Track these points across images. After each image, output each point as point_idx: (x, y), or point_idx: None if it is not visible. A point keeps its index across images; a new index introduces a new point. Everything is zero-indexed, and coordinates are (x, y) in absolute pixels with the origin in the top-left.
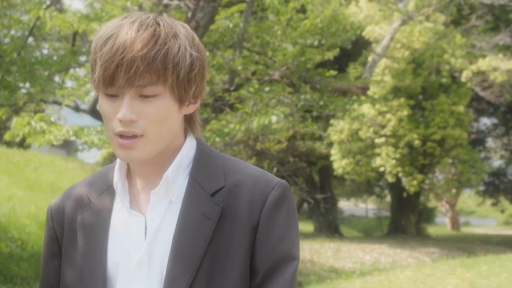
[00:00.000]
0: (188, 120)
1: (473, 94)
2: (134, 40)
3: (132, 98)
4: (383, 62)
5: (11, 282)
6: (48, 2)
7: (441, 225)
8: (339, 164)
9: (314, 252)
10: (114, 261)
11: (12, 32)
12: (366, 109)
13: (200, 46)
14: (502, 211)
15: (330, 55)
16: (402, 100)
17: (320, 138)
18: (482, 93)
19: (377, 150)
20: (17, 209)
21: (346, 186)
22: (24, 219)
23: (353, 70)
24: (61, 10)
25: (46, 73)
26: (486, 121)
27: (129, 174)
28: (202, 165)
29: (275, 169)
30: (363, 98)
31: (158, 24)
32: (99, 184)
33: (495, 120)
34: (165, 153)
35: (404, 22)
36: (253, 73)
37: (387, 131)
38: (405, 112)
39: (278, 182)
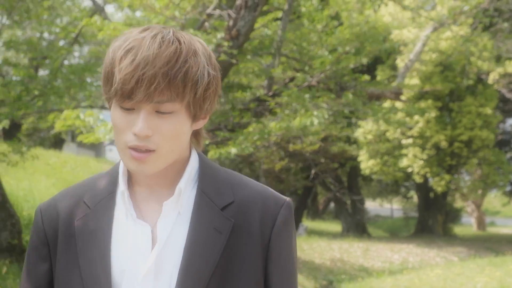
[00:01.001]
0: (195, 134)
1: (500, 95)
2: (156, 56)
3: (149, 113)
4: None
5: None
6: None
7: (467, 225)
8: (367, 164)
9: (344, 251)
10: (119, 269)
11: (49, 37)
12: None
13: (216, 64)
14: None
15: (364, 61)
16: (430, 102)
17: (349, 140)
18: (508, 95)
19: (404, 151)
20: None
21: (372, 187)
22: None
23: (381, 72)
24: (105, 18)
25: (89, 79)
26: None
27: (131, 181)
28: (208, 177)
29: (313, 171)
30: (399, 106)
31: (179, 41)
32: (98, 190)
33: None
34: (172, 165)
35: (435, 29)
36: (291, 79)
37: (414, 132)
38: (432, 114)
39: (285, 201)
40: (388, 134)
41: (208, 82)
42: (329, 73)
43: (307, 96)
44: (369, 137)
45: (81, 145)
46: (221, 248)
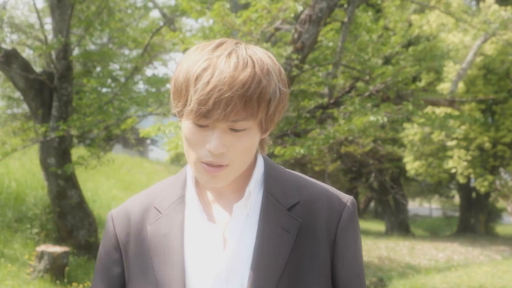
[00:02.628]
0: (261, 141)
1: None
2: (233, 78)
3: (223, 131)
4: (455, 68)
5: None
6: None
7: (508, 225)
8: (412, 166)
9: (390, 249)
10: (192, 271)
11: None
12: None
13: (285, 79)
14: None
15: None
16: (473, 104)
17: (395, 142)
18: None
19: (449, 153)
20: None
21: (412, 187)
22: None
23: (425, 76)
24: (174, 30)
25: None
26: None
27: (198, 184)
28: (274, 179)
29: (373, 175)
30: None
31: (253, 61)
32: (167, 194)
33: None
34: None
35: (486, 40)
36: (351, 87)
37: (458, 134)
38: (476, 116)
39: (349, 198)
40: (432, 136)
41: (279, 99)
42: (390, 83)
43: (369, 105)
44: (415, 139)
45: (126, 145)
46: (289, 247)
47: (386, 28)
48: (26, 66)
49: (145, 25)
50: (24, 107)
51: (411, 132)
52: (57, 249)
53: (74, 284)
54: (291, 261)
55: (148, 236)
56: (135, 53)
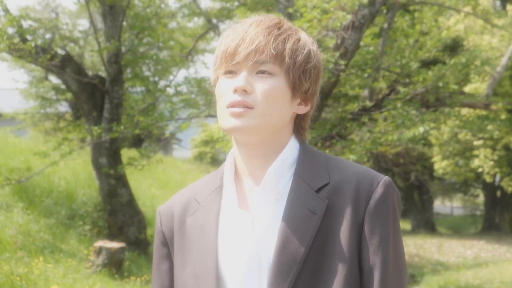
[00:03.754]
0: (298, 125)
1: None
2: (259, 23)
3: (249, 73)
4: (482, 69)
5: None
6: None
7: None
8: (440, 165)
9: (419, 247)
10: (225, 259)
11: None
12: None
13: (318, 51)
14: None
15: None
16: (500, 105)
17: (424, 142)
18: None
19: (475, 152)
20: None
21: (434, 185)
22: None
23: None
24: (219, 35)
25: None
26: None
27: (237, 175)
28: (306, 163)
29: (413, 174)
30: (491, 115)
31: (285, 22)
32: (207, 186)
33: None
34: (272, 147)
35: None
36: (391, 90)
37: (485, 134)
38: (502, 116)
39: (382, 179)
40: (460, 136)
41: (308, 54)
42: (430, 87)
43: (410, 108)
44: (442, 138)
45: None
46: (315, 229)
47: (422, 33)
48: (79, 70)
49: (189, 29)
50: (57, 107)
51: (440, 131)
52: (114, 244)
53: (132, 277)
54: (317, 242)
55: (187, 228)
56: (165, 53)
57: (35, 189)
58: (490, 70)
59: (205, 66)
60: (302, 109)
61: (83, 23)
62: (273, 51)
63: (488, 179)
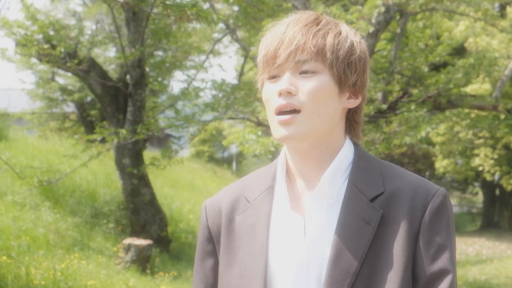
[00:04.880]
0: (350, 120)
1: None
2: (296, 22)
3: (292, 74)
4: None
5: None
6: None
7: None
8: (441, 164)
9: None
10: (274, 261)
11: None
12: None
13: (362, 41)
14: None
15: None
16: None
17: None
18: None
19: (476, 151)
20: (177, 206)
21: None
22: (187, 214)
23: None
24: (237, 40)
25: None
26: None
27: (288, 175)
28: (361, 170)
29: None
30: (501, 116)
31: (324, 17)
32: (257, 185)
33: None
34: (325, 148)
35: None
36: (404, 93)
37: (485, 133)
38: (502, 116)
39: (438, 189)
40: (461, 135)
41: (350, 47)
42: (442, 90)
43: (424, 111)
44: (443, 138)
45: (151, 143)
46: (369, 239)
47: (432, 37)
48: (103, 74)
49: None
50: (62, 108)
51: (440, 131)
52: (142, 241)
53: (161, 273)
54: (371, 253)
55: (236, 226)
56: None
57: (59, 189)
58: (497, 71)
59: (221, 69)
60: (353, 103)
61: (89, 25)
62: (313, 48)
63: (488, 177)
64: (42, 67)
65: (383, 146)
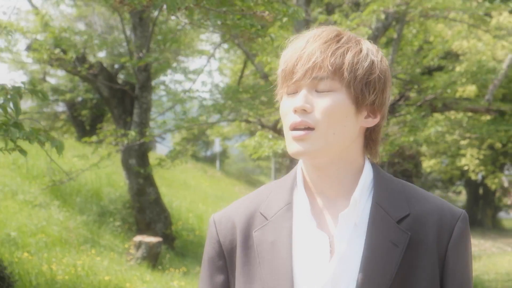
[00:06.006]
0: (368, 138)
1: None
2: (316, 38)
3: (309, 91)
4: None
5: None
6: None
7: (506, 219)
8: (428, 163)
9: None
10: (299, 280)
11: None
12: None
13: (384, 59)
14: None
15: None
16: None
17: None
18: None
19: (462, 151)
20: (176, 205)
21: (418, 183)
22: (185, 212)
23: (438, 78)
24: (238, 44)
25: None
26: None
27: (306, 191)
28: (384, 189)
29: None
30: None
31: (343, 33)
32: (273, 200)
33: None
34: (342, 166)
35: None
36: (401, 96)
37: (471, 133)
38: (488, 116)
39: (461, 213)
40: (447, 135)
41: (370, 66)
42: (438, 94)
43: (422, 113)
44: (431, 138)
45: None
46: (398, 262)
47: (426, 42)
48: (110, 77)
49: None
50: (53, 108)
51: (426, 132)
52: (152, 239)
53: (171, 269)
54: (399, 275)
55: (254, 243)
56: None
57: (66, 188)
58: (494, 79)
59: (221, 73)
60: (371, 122)
61: (80, 27)
62: (330, 66)
63: (473, 177)
64: (34, 67)
65: (388, 146)
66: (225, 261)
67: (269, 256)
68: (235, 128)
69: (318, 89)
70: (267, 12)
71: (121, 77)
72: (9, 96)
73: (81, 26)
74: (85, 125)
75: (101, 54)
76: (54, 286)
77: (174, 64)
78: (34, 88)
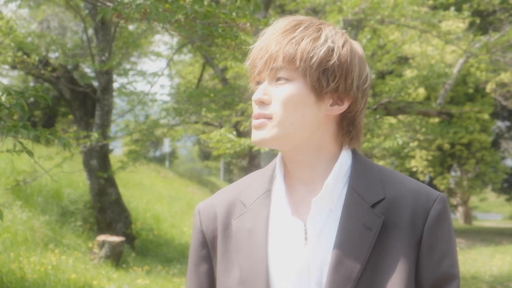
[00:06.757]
0: (344, 126)
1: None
2: (278, 28)
3: (269, 82)
4: (412, 72)
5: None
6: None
7: (453, 219)
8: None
9: None
10: (275, 266)
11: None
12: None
13: (347, 44)
14: None
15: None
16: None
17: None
18: (504, 102)
19: (411, 153)
20: (133, 205)
21: None
22: (143, 212)
23: (390, 81)
24: (198, 48)
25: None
26: (500, 124)
27: (285, 180)
28: (360, 175)
29: None
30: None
31: (310, 22)
32: (253, 189)
33: (508, 123)
34: (312, 154)
35: (468, 58)
36: None
37: (424, 135)
38: (436, 119)
39: (438, 195)
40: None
41: (327, 53)
42: (392, 97)
43: (377, 117)
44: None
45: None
46: (371, 245)
47: (379, 47)
48: (72, 80)
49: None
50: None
51: (390, 142)
52: (116, 238)
53: (135, 268)
54: (372, 259)
55: (233, 231)
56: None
57: (27, 188)
58: (445, 83)
59: (180, 76)
60: (337, 109)
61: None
62: (284, 56)
63: (422, 178)
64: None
65: None
66: (208, 250)
67: (246, 243)
68: (186, 129)
69: (277, 80)
70: (248, 24)
71: (74, 78)
72: (15, 101)
73: (34, 27)
74: (38, 125)
75: (53, 55)
76: (25, 284)
77: (128, 66)
78: (37, 93)
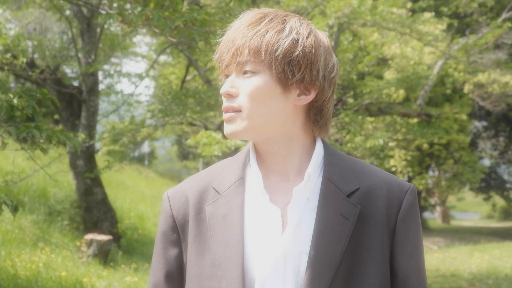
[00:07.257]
0: (314, 116)
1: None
2: (243, 22)
3: (236, 76)
4: (391, 73)
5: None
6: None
7: (431, 219)
8: None
9: None
10: (251, 253)
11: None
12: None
13: (312, 35)
14: (494, 205)
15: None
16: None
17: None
18: (482, 103)
19: (390, 152)
20: (118, 205)
21: None
22: (128, 212)
23: (370, 82)
24: (181, 50)
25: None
26: (477, 124)
27: (260, 167)
28: (334, 165)
29: None
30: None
31: (275, 14)
32: (226, 176)
33: (485, 123)
34: (284, 143)
35: (447, 59)
36: (338, 101)
37: (399, 135)
38: (415, 120)
39: (410, 186)
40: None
41: (291, 44)
42: (374, 98)
43: (360, 117)
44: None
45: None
46: (348, 235)
47: (360, 49)
48: (58, 81)
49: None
50: None
51: (371, 142)
52: (103, 237)
53: (122, 266)
54: (350, 248)
55: (206, 217)
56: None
57: (14, 188)
58: (426, 84)
59: (164, 77)
60: (304, 99)
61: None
62: (249, 49)
63: (400, 177)
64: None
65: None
66: (178, 235)
67: (221, 228)
68: (168, 130)
69: (244, 73)
70: None
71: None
72: (27, 103)
73: (17, 29)
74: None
75: (36, 56)
76: (17, 281)
77: (111, 67)
78: (45, 95)
